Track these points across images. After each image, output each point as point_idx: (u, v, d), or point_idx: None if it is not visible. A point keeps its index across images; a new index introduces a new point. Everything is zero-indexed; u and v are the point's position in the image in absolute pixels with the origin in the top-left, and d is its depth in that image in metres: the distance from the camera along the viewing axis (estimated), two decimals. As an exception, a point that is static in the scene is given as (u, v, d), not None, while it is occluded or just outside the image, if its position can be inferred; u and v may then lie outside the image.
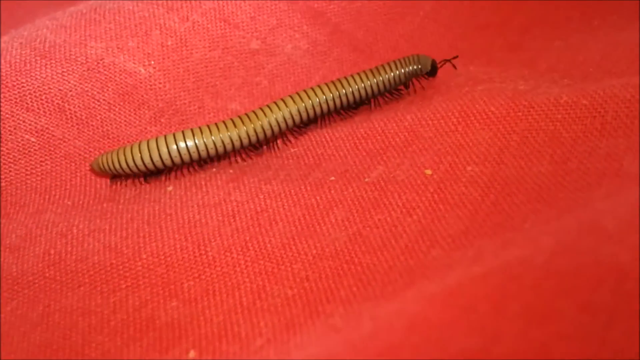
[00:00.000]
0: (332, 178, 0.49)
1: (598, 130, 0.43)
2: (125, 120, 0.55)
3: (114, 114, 0.55)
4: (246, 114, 0.53)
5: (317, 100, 0.54)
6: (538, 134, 0.45)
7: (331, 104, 0.54)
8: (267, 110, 0.52)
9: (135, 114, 0.56)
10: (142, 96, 0.55)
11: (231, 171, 0.52)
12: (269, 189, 0.49)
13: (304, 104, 0.53)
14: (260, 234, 0.45)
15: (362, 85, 0.55)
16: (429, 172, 0.47)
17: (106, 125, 0.55)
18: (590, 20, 0.65)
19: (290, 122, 0.53)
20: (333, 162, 0.51)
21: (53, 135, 0.54)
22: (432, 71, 0.57)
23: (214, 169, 0.53)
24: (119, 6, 0.57)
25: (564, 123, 0.44)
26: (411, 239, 0.41)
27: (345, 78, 0.55)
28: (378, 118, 0.53)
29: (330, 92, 0.54)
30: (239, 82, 0.59)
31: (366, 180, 0.48)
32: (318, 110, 0.54)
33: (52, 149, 0.54)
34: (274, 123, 0.52)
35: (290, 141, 0.54)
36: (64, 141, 0.54)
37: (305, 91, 0.54)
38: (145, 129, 0.56)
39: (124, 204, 0.51)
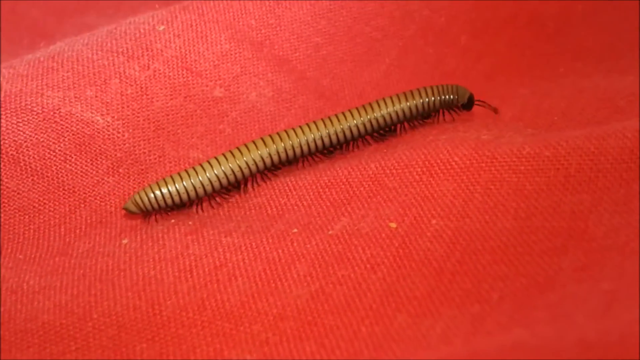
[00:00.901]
0: (295, 230, 0.47)
1: (561, 183, 0.42)
2: (81, 171, 0.54)
3: (70, 165, 0.53)
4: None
5: (349, 124, 0.54)
6: (502, 186, 0.44)
7: (361, 128, 0.54)
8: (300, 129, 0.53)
9: (92, 164, 0.54)
10: (100, 146, 0.54)
11: (190, 223, 0.50)
12: (229, 241, 0.47)
13: (341, 126, 0.53)
14: (218, 291, 0.43)
15: (394, 108, 0.54)
16: (393, 225, 0.46)
17: (62, 176, 0.53)
18: (556, 67, 0.66)
19: (326, 141, 0.53)
20: (296, 212, 0.50)
21: (7, 187, 0.52)
22: (468, 104, 0.56)
23: (173, 220, 0.51)
24: (78, 54, 0.56)
25: (527, 175, 0.44)
26: (376, 299, 0.40)
27: (376, 101, 0.55)
28: (342, 166, 0.52)
29: (362, 116, 0.54)
30: (202, 130, 0.57)
31: (330, 232, 0.47)
32: (352, 133, 0.54)
33: (5, 201, 0.52)
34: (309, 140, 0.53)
35: (253, 189, 0.53)
36: (18, 193, 0.52)
37: (338, 115, 0.54)
38: (103, 179, 0.54)
39: (76, 258, 0.49)
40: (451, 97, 0.55)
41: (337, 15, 0.62)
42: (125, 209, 0.52)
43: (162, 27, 0.58)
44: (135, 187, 0.55)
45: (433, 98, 0.55)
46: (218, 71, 0.58)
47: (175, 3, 0.60)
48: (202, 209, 0.52)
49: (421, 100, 0.55)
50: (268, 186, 0.53)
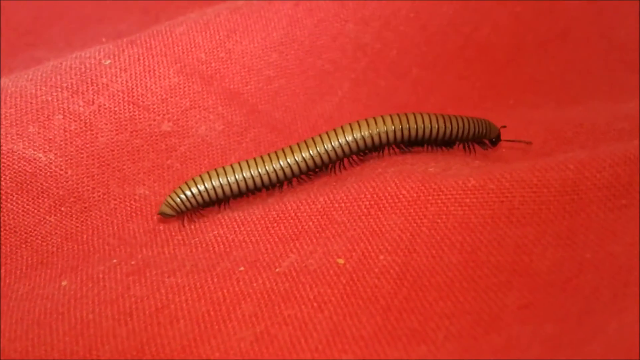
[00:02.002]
0: (242, 268, 0.46)
1: (506, 216, 0.42)
2: (22, 210, 0.52)
3: (11, 204, 0.52)
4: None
5: (394, 127, 0.52)
6: (448, 219, 0.44)
7: (393, 136, 0.53)
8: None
9: (33, 203, 0.52)
10: (42, 184, 0.52)
11: (133, 263, 0.48)
12: (172, 281, 0.46)
13: (382, 129, 0.52)
14: (159, 334, 0.41)
15: (437, 125, 0.53)
16: (341, 261, 0.45)
17: (2, 215, 0.51)
18: (507, 99, 0.67)
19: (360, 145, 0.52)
20: (244, 249, 0.49)
21: (-58, 227, 0.50)
22: (496, 141, 0.56)
23: (115, 260, 0.49)
24: (21, 90, 0.54)
25: (472, 208, 0.43)
26: (322, 340, 0.39)
27: (420, 114, 0.54)
28: (291, 200, 0.51)
29: (431, 121, 0.53)
30: (149, 166, 0.56)
31: (277, 270, 0.45)
32: (389, 139, 0.53)
33: (-60, 241, 0.50)
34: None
35: (202, 224, 0.52)
36: (-46, 233, 0.50)
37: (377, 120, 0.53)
38: (44, 218, 0.52)
39: (15, 300, 0.47)
40: (484, 131, 0.55)
41: (289, 48, 0.62)
42: (161, 213, 0.52)
43: (108, 61, 0.57)
44: (77, 226, 0.53)
45: (469, 128, 0.54)
46: (166, 105, 0.57)
47: (123, 37, 0.59)
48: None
49: (457, 128, 0.54)
50: (216, 222, 0.52)
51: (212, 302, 0.43)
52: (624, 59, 0.74)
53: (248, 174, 0.52)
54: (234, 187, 0.52)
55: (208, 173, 0.52)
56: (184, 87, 0.58)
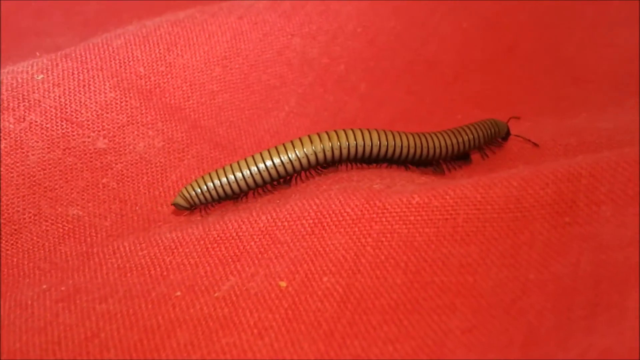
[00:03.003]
0: (178, 293, 0.44)
1: (450, 234, 0.41)
2: (-58, 233, 0.48)
3: None
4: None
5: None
6: (392, 238, 0.43)
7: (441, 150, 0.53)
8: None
9: (-46, 225, 0.49)
10: (-36, 205, 0.49)
11: (63, 288, 0.45)
12: (103, 308, 0.43)
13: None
14: (86, 367, 0.39)
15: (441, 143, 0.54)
16: (283, 284, 0.43)
17: None
18: (454, 114, 0.66)
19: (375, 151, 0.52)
20: (182, 272, 0.46)
21: None
22: (507, 136, 0.57)
23: (44, 286, 0.46)
24: (-56, 105, 0.51)
25: (417, 226, 0.42)
26: (260, 369, 0.37)
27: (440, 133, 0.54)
28: (232, 219, 0.49)
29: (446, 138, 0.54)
30: (83, 185, 0.53)
31: (216, 294, 0.43)
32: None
33: None
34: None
35: (138, 246, 0.49)
36: None
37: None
38: (-34, 242, 0.49)
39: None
40: (494, 131, 0.56)
41: (233, 62, 0.60)
42: (175, 204, 0.52)
43: (40, 76, 0.54)
44: (7, 249, 0.50)
45: (479, 133, 0.55)
46: (101, 121, 0.54)
47: (57, 51, 0.56)
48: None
49: (468, 137, 0.55)
50: (152, 242, 0.49)
51: (146, 331, 0.41)
52: (571, 74, 0.74)
53: (262, 167, 0.51)
54: (250, 181, 0.51)
55: (224, 168, 0.51)
56: (121, 102, 0.55)
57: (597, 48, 0.77)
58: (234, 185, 0.51)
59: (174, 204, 0.52)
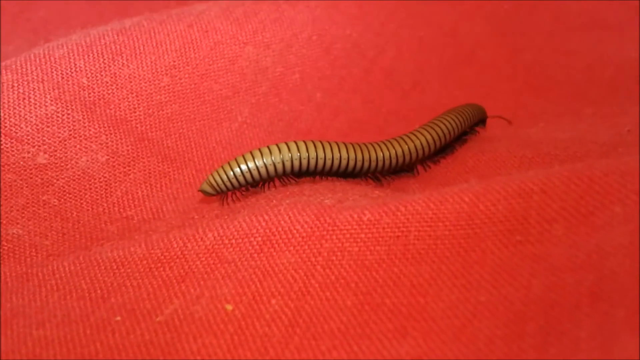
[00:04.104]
0: (118, 318, 0.41)
1: (402, 252, 0.39)
2: None
3: None
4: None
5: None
6: (343, 257, 0.41)
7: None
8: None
9: None
10: None
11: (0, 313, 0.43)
12: (40, 334, 0.40)
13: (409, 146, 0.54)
14: (16, 400, 0.36)
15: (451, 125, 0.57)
16: (230, 307, 0.41)
17: None
18: (413, 124, 0.65)
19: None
20: (123, 295, 0.44)
21: None
22: (484, 121, 0.62)
23: (-23, 314, 0.43)
24: None
25: (368, 244, 0.41)
26: (201, 400, 0.35)
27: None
28: (177, 236, 0.47)
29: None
30: (23, 202, 0.50)
31: (158, 319, 0.41)
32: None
33: None
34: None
35: (78, 266, 0.47)
36: None
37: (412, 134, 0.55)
38: None
39: None
40: (478, 114, 0.61)
41: (182, 72, 0.58)
42: (201, 190, 0.51)
43: (-25, 88, 0.51)
44: (-62, 272, 0.47)
45: (463, 119, 0.58)
46: (42, 135, 0.52)
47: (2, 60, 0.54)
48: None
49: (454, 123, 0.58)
50: (93, 262, 0.47)
51: (83, 358, 0.39)
52: (529, 83, 0.74)
53: (296, 155, 0.50)
54: (279, 167, 0.50)
55: (252, 152, 0.51)
56: (63, 115, 0.52)
57: (555, 55, 0.77)
58: (263, 171, 0.50)
59: (201, 190, 0.51)
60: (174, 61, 0.58)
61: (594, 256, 0.32)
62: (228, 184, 0.50)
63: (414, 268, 0.38)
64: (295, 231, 0.44)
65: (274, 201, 0.47)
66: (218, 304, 0.41)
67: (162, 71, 0.58)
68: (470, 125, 0.60)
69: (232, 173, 0.50)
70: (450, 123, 0.57)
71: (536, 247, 0.35)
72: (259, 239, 0.44)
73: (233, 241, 0.45)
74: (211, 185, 0.51)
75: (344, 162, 0.51)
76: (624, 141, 0.58)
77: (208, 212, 0.50)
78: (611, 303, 0.30)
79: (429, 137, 0.55)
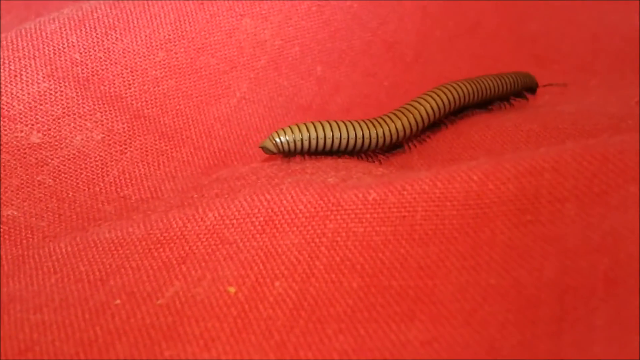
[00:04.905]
0: (118, 301, 0.40)
1: (408, 233, 0.38)
2: None
3: None
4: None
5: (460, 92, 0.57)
6: (348, 238, 0.40)
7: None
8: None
9: None
10: None
11: (-5, 299, 0.42)
12: (38, 319, 0.40)
13: (448, 95, 0.56)
14: (17, 387, 0.36)
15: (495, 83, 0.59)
16: (232, 289, 0.40)
17: None
18: (415, 96, 0.63)
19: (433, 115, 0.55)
20: (122, 277, 0.43)
21: None
22: (535, 88, 0.63)
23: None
24: None
25: (373, 224, 0.40)
26: (205, 388, 0.34)
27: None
28: (177, 216, 0.45)
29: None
30: (17, 183, 0.49)
31: (159, 302, 0.40)
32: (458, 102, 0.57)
33: None
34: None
35: (75, 247, 0.46)
36: None
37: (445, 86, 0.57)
38: None
39: None
40: (527, 80, 0.62)
41: (178, 46, 0.56)
42: (262, 147, 0.51)
43: (-36, 65, 0.49)
44: None
45: (514, 81, 0.61)
46: (35, 114, 0.50)
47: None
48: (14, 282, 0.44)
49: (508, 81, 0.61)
50: (90, 244, 0.45)
51: (82, 343, 0.38)
52: (534, 54, 0.72)
53: (360, 134, 0.51)
54: (343, 142, 0.51)
55: (321, 123, 0.51)
56: (56, 92, 0.51)
57: (561, 25, 0.75)
58: (329, 142, 0.50)
59: (262, 147, 0.51)
60: (169, 35, 0.56)
61: (608, 239, 0.31)
62: (292, 145, 0.50)
63: (421, 249, 0.37)
64: (298, 211, 0.42)
65: (276, 180, 0.46)
66: (220, 286, 0.40)
67: (157, 45, 0.56)
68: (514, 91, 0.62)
69: (300, 136, 0.50)
70: (450, 93, 0.58)
71: (548, 227, 0.34)
72: (261, 219, 0.43)
73: (234, 221, 0.44)
74: (275, 144, 0.51)
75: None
76: (632, 112, 0.57)
77: (208, 191, 0.48)
78: (628, 289, 0.29)
79: (430, 106, 0.55)
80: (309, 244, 0.41)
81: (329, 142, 0.51)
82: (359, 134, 0.51)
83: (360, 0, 0.65)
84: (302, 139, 0.50)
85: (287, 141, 0.50)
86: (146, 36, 0.55)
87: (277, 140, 0.50)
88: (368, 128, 0.52)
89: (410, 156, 0.54)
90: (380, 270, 0.37)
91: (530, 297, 0.32)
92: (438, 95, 0.55)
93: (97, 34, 0.54)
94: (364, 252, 0.39)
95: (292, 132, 0.50)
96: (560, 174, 0.36)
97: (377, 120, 0.53)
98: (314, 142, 0.51)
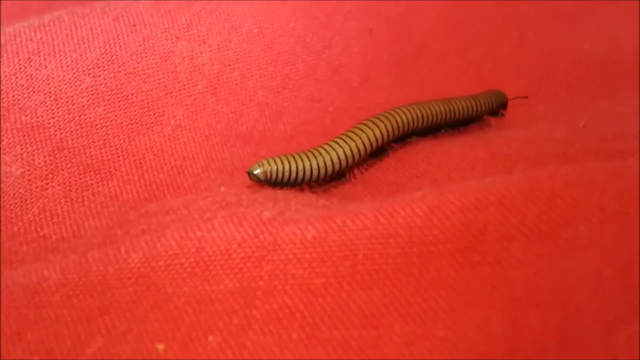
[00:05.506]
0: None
1: (350, 275, 0.35)
2: None
3: None
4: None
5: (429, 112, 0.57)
6: (287, 281, 0.37)
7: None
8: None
9: None
10: None
11: None
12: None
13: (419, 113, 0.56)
14: None
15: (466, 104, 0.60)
16: (161, 347, 0.36)
17: None
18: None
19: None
20: (41, 329, 0.38)
21: None
22: (505, 105, 0.64)
23: None
24: None
25: (313, 265, 0.36)
26: None
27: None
28: (96, 257, 0.41)
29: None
30: None
31: (79, 360, 0.36)
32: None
33: None
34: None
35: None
36: None
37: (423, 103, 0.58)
38: None
39: None
40: (500, 99, 0.63)
41: (107, 71, 0.53)
42: (249, 173, 0.49)
43: None
44: None
45: (487, 102, 0.61)
46: (-57, 146, 0.45)
47: None
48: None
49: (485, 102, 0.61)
50: (5, 290, 0.41)
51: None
52: (481, 78, 0.71)
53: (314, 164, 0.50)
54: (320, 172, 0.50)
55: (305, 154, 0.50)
56: (-33, 122, 0.46)
57: (508, 49, 0.74)
58: (315, 173, 0.49)
59: (249, 172, 0.49)
60: (98, 59, 0.53)
61: (558, 288, 0.29)
62: (284, 176, 0.49)
63: (365, 293, 0.34)
64: (232, 250, 0.39)
65: (208, 214, 0.43)
66: (148, 342, 0.36)
67: (84, 71, 0.52)
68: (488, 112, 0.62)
69: (287, 167, 0.49)
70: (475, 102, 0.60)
71: (495, 269, 0.32)
72: (192, 260, 0.40)
73: (161, 263, 0.40)
74: (264, 172, 0.49)
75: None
76: (580, 136, 0.56)
77: (133, 228, 0.44)
78: (579, 352, 0.26)
79: (373, 133, 0.53)
80: (245, 290, 0.37)
81: (315, 173, 0.50)
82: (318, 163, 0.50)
83: (304, 22, 0.63)
84: (290, 170, 0.49)
85: (277, 170, 0.49)
86: (72, 61, 0.51)
87: (266, 168, 0.49)
88: (315, 157, 0.50)
89: (355, 186, 0.51)
90: (322, 318, 0.34)
91: (479, 354, 0.29)
92: (381, 122, 0.53)
93: (20, 59, 0.49)
94: (304, 298, 0.36)
95: (282, 162, 0.49)
96: (507, 209, 0.33)
97: (317, 150, 0.50)
98: (300, 174, 0.49)
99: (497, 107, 0.64)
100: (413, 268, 0.34)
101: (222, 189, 0.50)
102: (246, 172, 0.50)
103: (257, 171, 0.49)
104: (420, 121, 0.57)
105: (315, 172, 0.50)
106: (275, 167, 0.49)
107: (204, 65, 0.57)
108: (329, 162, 0.50)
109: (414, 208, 0.36)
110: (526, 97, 0.66)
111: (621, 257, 0.28)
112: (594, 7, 0.78)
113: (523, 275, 0.30)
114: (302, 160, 0.50)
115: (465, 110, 0.60)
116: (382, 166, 0.52)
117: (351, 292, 0.35)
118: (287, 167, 0.49)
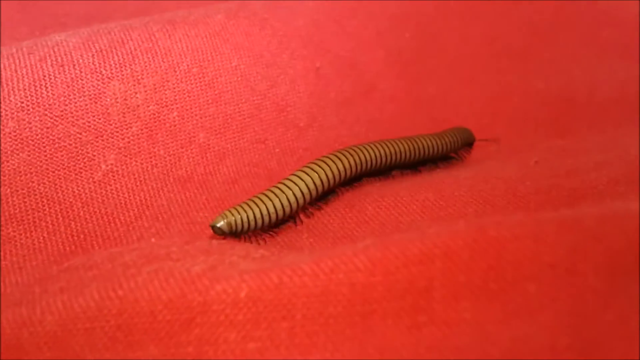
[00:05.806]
0: None
1: (288, 338, 0.31)
2: None
3: None
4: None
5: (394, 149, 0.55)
6: (218, 347, 0.33)
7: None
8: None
9: None
10: None
11: None
12: None
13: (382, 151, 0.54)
14: None
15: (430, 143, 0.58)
16: None
17: None
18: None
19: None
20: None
21: None
22: (472, 144, 0.62)
23: None
24: None
25: (247, 328, 0.32)
26: None
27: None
28: (10, 319, 0.36)
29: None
30: None
31: None
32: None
33: None
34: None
35: None
36: None
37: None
38: None
39: None
40: (465, 136, 0.61)
41: (31, 115, 0.49)
42: (213, 226, 0.46)
43: None
44: None
45: (453, 140, 0.59)
46: None
47: None
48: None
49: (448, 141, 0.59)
50: None
51: None
52: (432, 117, 0.70)
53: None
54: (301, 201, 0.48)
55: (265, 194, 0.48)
56: None
57: (459, 87, 0.73)
58: (280, 214, 0.47)
59: (212, 226, 0.45)
60: (22, 102, 0.49)
61: (509, 357, 0.26)
62: (250, 224, 0.46)
63: (303, 358, 0.31)
64: (157, 312, 0.35)
65: (133, 269, 0.38)
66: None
67: (6, 115, 0.48)
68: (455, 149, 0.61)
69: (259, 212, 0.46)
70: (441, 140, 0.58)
71: (444, 333, 0.29)
72: (112, 323, 0.35)
73: (79, 326, 0.36)
74: (229, 224, 0.45)
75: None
76: (531, 173, 0.54)
77: (52, 285, 0.40)
78: None
79: (319, 176, 0.50)
80: (172, 357, 0.33)
81: (272, 216, 0.47)
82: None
83: (248, 61, 0.60)
84: (255, 217, 0.46)
85: (242, 220, 0.46)
86: (-9, 104, 0.47)
87: (230, 219, 0.45)
88: (276, 197, 0.47)
89: (299, 232, 0.48)
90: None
91: None
92: (327, 164, 0.51)
93: None
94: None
95: (245, 210, 0.46)
96: (453, 263, 0.31)
97: (274, 190, 0.48)
98: (266, 219, 0.46)
99: (462, 146, 0.62)
100: (356, 329, 0.31)
101: (153, 240, 0.46)
102: (210, 225, 0.46)
103: (220, 223, 0.45)
104: (383, 159, 0.55)
105: (273, 216, 0.47)
106: (239, 216, 0.45)
107: (138, 106, 0.54)
108: (285, 204, 0.47)
109: (355, 262, 0.33)
110: (498, 140, 0.64)
111: (575, 324, 0.25)
112: (545, 44, 0.78)
113: (473, 341, 0.28)
114: (264, 203, 0.47)
115: (428, 149, 0.58)
116: (329, 210, 0.49)
117: (288, 357, 0.31)
118: (251, 214, 0.46)
